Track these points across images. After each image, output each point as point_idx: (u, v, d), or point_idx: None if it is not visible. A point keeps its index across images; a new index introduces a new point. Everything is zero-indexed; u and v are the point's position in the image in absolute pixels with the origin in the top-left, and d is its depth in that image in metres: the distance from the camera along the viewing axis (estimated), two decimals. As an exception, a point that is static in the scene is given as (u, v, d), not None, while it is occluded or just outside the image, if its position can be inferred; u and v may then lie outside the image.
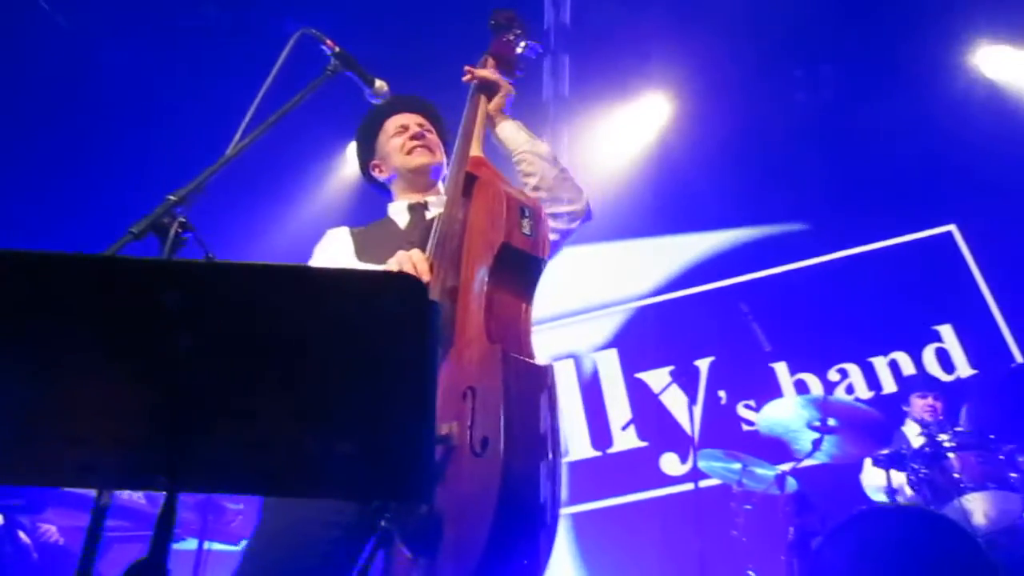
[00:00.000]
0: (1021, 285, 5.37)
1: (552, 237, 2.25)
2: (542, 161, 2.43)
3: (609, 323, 6.49)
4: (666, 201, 6.62)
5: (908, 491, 4.41)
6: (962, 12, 5.99)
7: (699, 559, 4.37)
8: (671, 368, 5.71)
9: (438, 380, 1.20)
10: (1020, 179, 5.58)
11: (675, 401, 5.83)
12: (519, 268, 2.04)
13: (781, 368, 5.88)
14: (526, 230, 2.05)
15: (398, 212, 2.56)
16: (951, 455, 4.24)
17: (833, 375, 5.86)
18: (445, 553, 1.73)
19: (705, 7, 6.13)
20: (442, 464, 1.77)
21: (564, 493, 3.16)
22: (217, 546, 4.43)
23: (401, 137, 2.60)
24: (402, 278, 1.12)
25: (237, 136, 1.88)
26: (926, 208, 6.05)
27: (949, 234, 6.03)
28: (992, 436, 4.31)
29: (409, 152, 2.59)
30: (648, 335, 6.37)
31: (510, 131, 2.52)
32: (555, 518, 1.73)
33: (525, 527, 1.67)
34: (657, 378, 6.01)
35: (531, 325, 2.03)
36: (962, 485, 4.13)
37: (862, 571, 3.77)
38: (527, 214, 2.08)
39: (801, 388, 5.81)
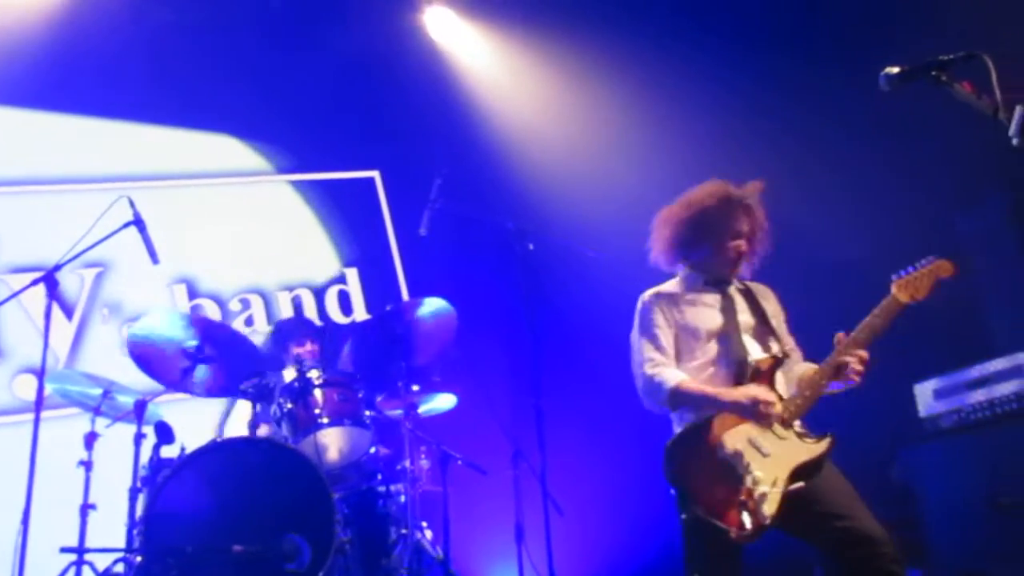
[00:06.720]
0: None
1: None
2: None
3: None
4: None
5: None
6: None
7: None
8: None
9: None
10: (440, 136, 5.91)
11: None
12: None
13: (180, 290, 5.46)
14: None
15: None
16: (317, 391, 4.29)
17: (235, 304, 5.65)
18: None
19: None
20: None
21: None
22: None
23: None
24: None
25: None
26: (354, 150, 6.13)
27: (371, 180, 6.20)
28: (357, 375, 4.47)
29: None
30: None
31: None
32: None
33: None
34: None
35: None
36: (320, 420, 4.20)
37: (205, 502, 3.63)
38: None
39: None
